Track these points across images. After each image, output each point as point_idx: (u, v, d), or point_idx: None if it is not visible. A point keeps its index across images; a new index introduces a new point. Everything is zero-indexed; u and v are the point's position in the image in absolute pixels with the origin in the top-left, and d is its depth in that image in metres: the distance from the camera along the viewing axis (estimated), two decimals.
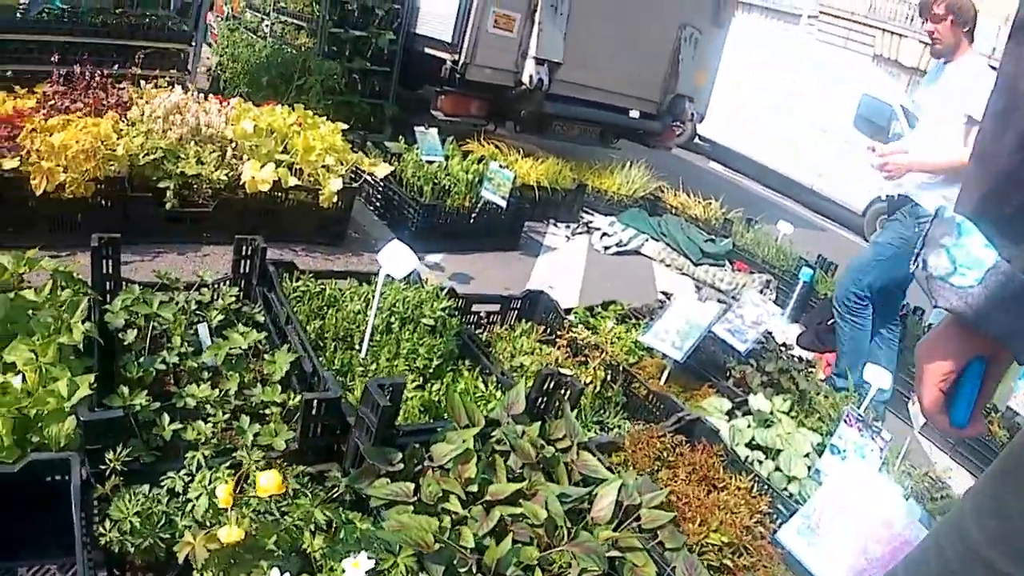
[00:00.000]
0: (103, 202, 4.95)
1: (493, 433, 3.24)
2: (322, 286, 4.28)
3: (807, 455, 4.11)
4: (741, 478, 3.68)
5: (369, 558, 2.32)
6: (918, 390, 1.51)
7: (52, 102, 5.43)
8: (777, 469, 4.04)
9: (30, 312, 3.18)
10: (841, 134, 14.22)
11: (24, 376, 2.92)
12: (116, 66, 6.40)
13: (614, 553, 2.87)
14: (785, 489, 3.88)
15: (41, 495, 2.63)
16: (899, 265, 5.49)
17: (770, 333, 5.60)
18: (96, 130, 4.93)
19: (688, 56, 9.88)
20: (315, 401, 3.06)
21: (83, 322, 3.18)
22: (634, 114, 10.03)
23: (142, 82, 6.10)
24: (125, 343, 3.35)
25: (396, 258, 3.76)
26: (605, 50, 9.12)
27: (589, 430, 4.08)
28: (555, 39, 8.54)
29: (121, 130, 5.23)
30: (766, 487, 3.73)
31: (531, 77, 8.49)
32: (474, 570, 2.60)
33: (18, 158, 4.55)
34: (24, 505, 2.65)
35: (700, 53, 10.01)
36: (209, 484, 2.47)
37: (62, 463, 2.59)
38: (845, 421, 3.95)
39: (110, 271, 3.79)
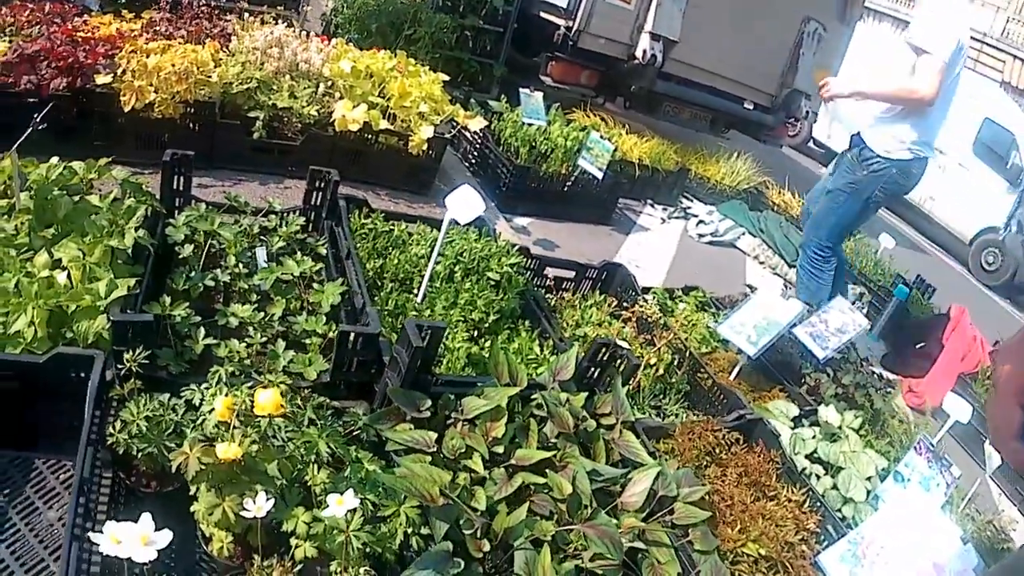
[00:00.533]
0: (191, 125, 4.96)
1: (533, 396, 3.07)
2: (391, 227, 4.18)
3: (869, 478, 3.83)
4: (794, 490, 3.43)
5: (364, 500, 2.20)
6: (990, 409, 1.27)
7: (156, 27, 5.51)
8: (834, 487, 3.77)
9: (91, 216, 3.16)
10: (958, 157, 13.48)
11: (69, 273, 2.90)
12: None
13: (637, 544, 2.68)
14: (839, 510, 3.62)
15: (65, 391, 2.59)
16: (851, 210, 5.53)
17: (853, 344, 5.27)
18: (193, 56, 4.94)
19: (809, 51, 9.37)
20: (352, 334, 2.95)
21: (138, 230, 3.14)
22: (748, 105, 9.64)
23: (247, 15, 6.09)
24: (181, 257, 3.30)
25: (464, 203, 3.62)
26: (723, 34, 8.70)
27: (643, 412, 3.87)
28: (673, 16, 8.20)
29: (219, 59, 5.24)
30: (819, 504, 3.46)
31: (645, 52, 8.18)
32: (479, 534, 2.45)
33: (112, 75, 4.58)
34: (48, 399, 2.62)
35: (822, 50, 9.47)
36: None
37: (86, 360, 2.54)
38: (915, 449, 3.65)
39: (180, 188, 3.76)
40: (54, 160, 3.44)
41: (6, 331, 2.66)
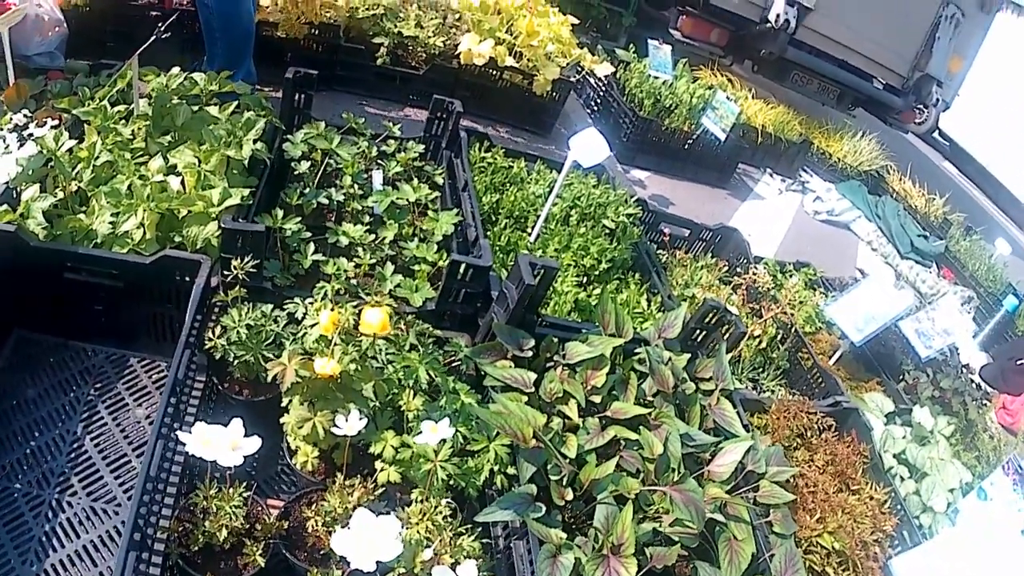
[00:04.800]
0: (315, 47, 4.97)
1: (637, 350, 2.96)
2: (510, 163, 4.10)
3: (952, 490, 3.62)
4: (878, 488, 3.27)
5: (456, 431, 2.13)
6: None
7: None
8: (916, 493, 3.58)
9: (209, 126, 3.15)
10: None
11: (183, 179, 2.90)
12: None
13: (717, 516, 2.55)
14: (917, 517, 3.44)
15: (169, 294, 2.63)
16: None
17: (956, 348, 5.03)
18: None
19: (946, 36, 8.77)
20: (463, 265, 2.88)
21: (255, 142, 3.12)
22: (878, 84, 9.19)
23: None
24: (297, 173, 3.28)
25: (588, 146, 3.48)
26: (859, 7, 8.22)
27: (741, 383, 3.74)
28: None
29: None
30: (899, 507, 3.29)
31: (778, 16, 7.81)
32: (564, 482, 2.37)
33: None
34: (151, 301, 2.66)
35: (959, 36, 8.89)
36: None
37: (193, 264, 2.54)
38: (1003, 468, 3.42)
39: (301, 106, 3.73)
40: (175, 71, 3.45)
41: (115, 231, 2.68)
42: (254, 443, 1.86)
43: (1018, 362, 5.71)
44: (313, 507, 2.18)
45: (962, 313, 4.64)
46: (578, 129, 3.54)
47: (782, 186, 8.06)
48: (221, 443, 1.82)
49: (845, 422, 3.57)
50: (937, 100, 9.21)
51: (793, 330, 4.18)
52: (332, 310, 2.28)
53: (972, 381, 4.92)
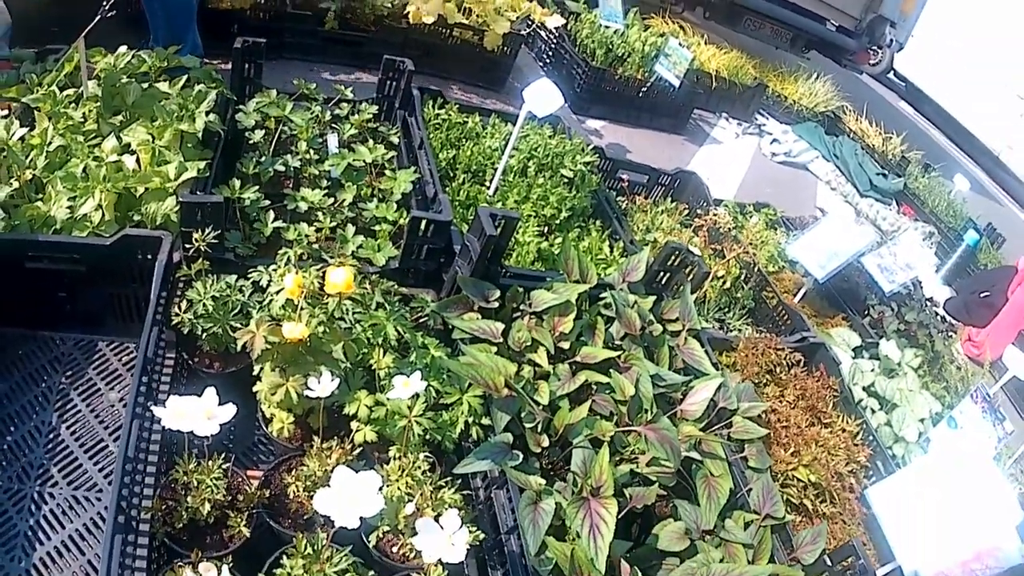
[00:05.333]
0: (262, 15, 4.87)
1: (602, 295, 2.99)
2: (464, 119, 4.08)
3: (922, 420, 3.73)
4: (849, 420, 3.35)
5: (428, 387, 2.15)
6: None
7: None
8: (888, 424, 3.69)
9: (160, 102, 3.12)
10: None
11: (137, 157, 2.88)
12: None
13: (693, 455, 2.61)
14: (890, 448, 3.54)
15: (132, 274, 2.61)
16: None
17: (920, 282, 5.15)
18: None
19: None
20: (423, 221, 2.89)
21: (208, 114, 3.09)
22: (831, 26, 9.21)
23: None
24: (252, 142, 3.26)
25: (542, 96, 3.48)
26: None
27: (707, 323, 3.80)
28: None
29: None
30: (871, 439, 3.38)
31: None
32: (539, 429, 2.40)
33: None
34: (114, 282, 2.64)
35: None
36: None
37: (154, 241, 2.53)
38: (972, 397, 3.51)
39: (251, 75, 3.70)
40: (122, 49, 3.40)
41: (74, 215, 2.66)
42: (229, 410, 1.87)
43: (982, 295, 5.82)
44: (293, 473, 2.20)
45: (924, 248, 4.71)
46: (531, 82, 3.53)
47: (739, 129, 8.09)
48: (196, 413, 1.83)
49: (813, 357, 3.64)
50: (891, 40, 9.26)
51: (756, 269, 4.23)
52: (296, 273, 2.28)
53: (937, 314, 5.03)
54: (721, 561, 2.39)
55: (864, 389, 3.83)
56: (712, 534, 2.49)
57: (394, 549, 2.16)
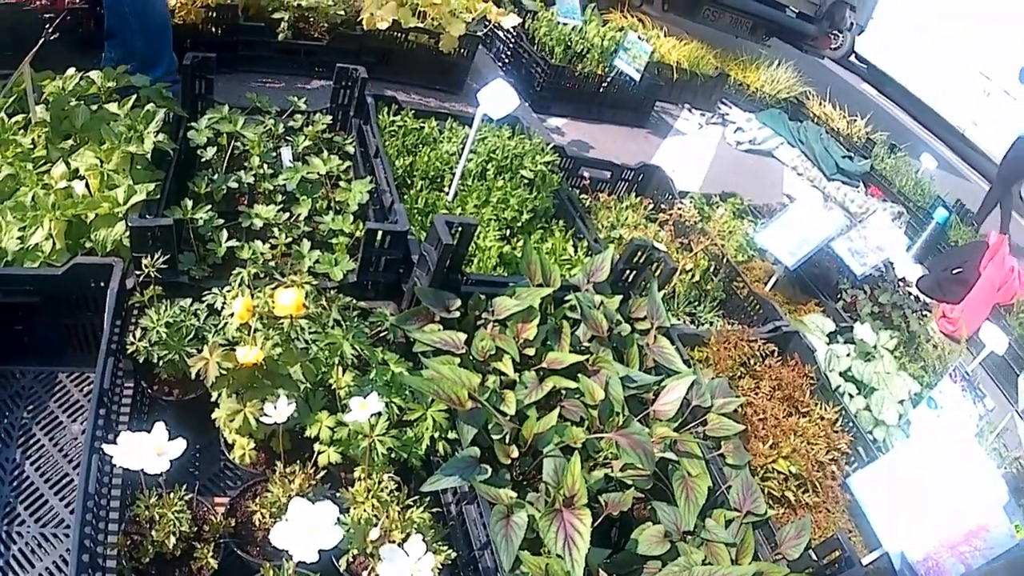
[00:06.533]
0: (214, 29, 4.78)
1: (567, 298, 2.95)
2: (420, 124, 4.02)
3: (902, 402, 3.71)
4: (827, 408, 3.32)
5: (390, 404, 2.10)
6: None
7: None
8: (867, 408, 3.67)
9: (109, 124, 3.05)
10: (1004, 84, 12.72)
11: (87, 183, 2.81)
12: None
13: (669, 455, 2.57)
14: (871, 432, 3.53)
15: (86, 302, 2.54)
16: None
17: (891, 263, 5.14)
18: None
19: None
20: (380, 232, 2.83)
21: (157, 134, 3.02)
22: (790, 12, 9.22)
23: None
24: (204, 160, 3.19)
25: (497, 97, 3.43)
26: None
27: (677, 319, 3.75)
28: None
29: None
30: (851, 424, 3.36)
31: None
32: (508, 440, 2.36)
33: None
34: (70, 312, 2.58)
35: None
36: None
37: (105, 268, 2.47)
38: (950, 376, 3.50)
39: (202, 91, 3.63)
40: (71, 72, 3.32)
41: (24, 246, 2.59)
42: (179, 445, 1.81)
43: (954, 271, 5.84)
44: (257, 499, 2.15)
45: (894, 228, 4.71)
46: (489, 82, 3.49)
47: (702, 120, 8.10)
48: (145, 450, 1.77)
49: (787, 346, 3.62)
50: (851, 24, 9.32)
51: (725, 260, 4.20)
52: (247, 296, 2.23)
53: (910, 294, 5.02)
54: (704, 562, 2.37)
55: (841, 375, 3.81)
56: (693, 535, 2.46)
57: (365, 573, 2.11)
